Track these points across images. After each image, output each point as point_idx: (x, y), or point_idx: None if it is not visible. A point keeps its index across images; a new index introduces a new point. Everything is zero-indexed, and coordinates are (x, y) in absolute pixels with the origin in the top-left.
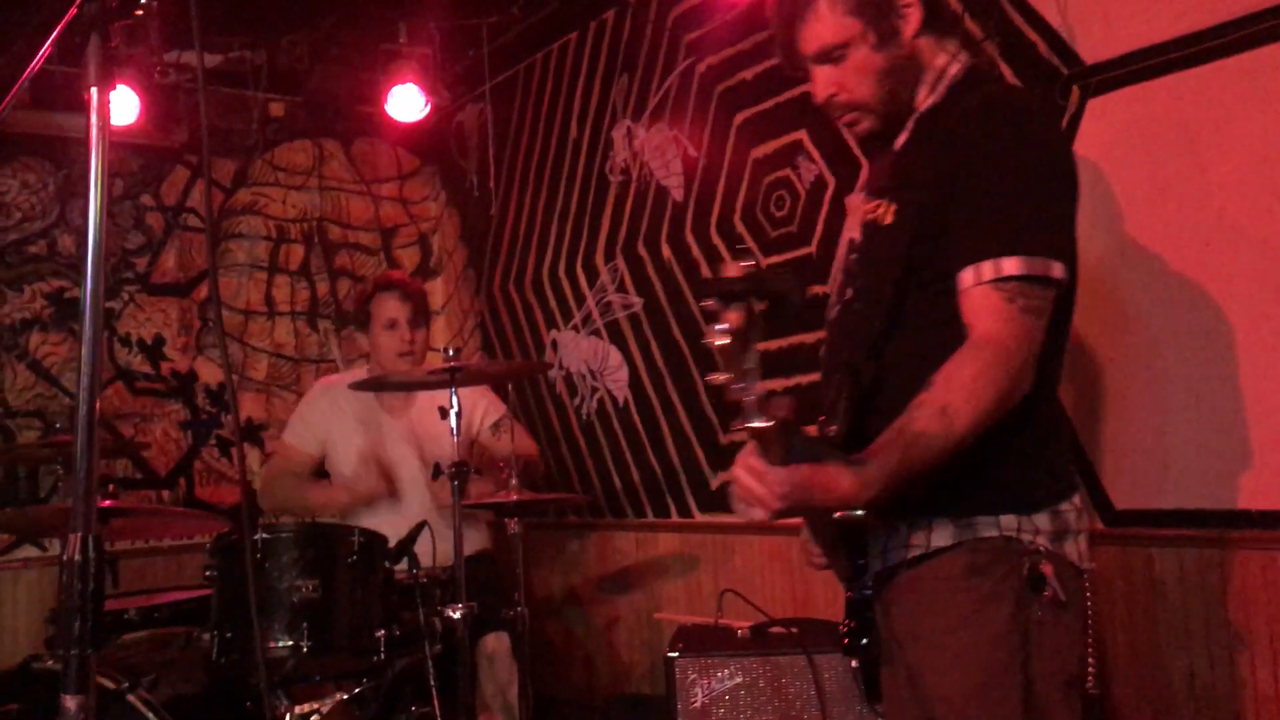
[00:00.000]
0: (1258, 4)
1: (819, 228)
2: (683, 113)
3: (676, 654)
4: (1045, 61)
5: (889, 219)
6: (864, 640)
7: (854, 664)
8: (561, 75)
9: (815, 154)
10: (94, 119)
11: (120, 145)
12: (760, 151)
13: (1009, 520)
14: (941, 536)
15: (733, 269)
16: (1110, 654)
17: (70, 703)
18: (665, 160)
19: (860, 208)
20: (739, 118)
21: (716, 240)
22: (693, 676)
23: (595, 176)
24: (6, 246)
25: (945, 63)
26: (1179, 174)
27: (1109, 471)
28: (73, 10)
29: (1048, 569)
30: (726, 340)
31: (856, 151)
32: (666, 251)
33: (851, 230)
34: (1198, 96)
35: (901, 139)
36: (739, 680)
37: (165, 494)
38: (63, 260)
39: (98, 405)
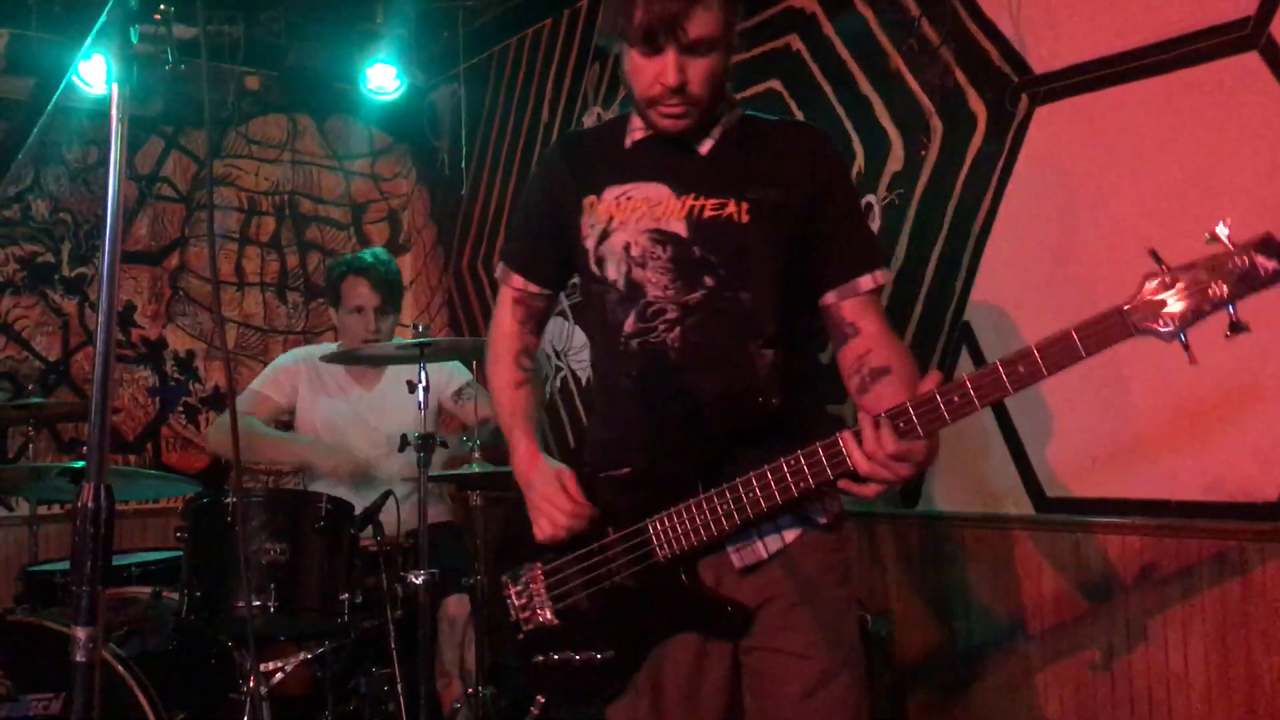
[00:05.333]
0: (1195, 25)
1: None
2: None
3: None
4: (997, 69)
5: (744, 218)
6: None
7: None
8: (535, 60)
9: None
10: (114, 113)
11: (96, 113)
12: None
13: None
14: (838, 504)
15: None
16: (1038, 634)
17: (81, 634)
18: None
19: (672, 202)
20: None
21: None
22: None
23: None
24: None
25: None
26: (1120, 181)
27: (1040, 460)
28: (103, 15)
29: None
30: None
31: None
32: None
33: (653, 222)
34: (1139, 109)
35: (708, 145)
36: None
37: (133, 459)
38: (36, 225)
39: (112, 366)
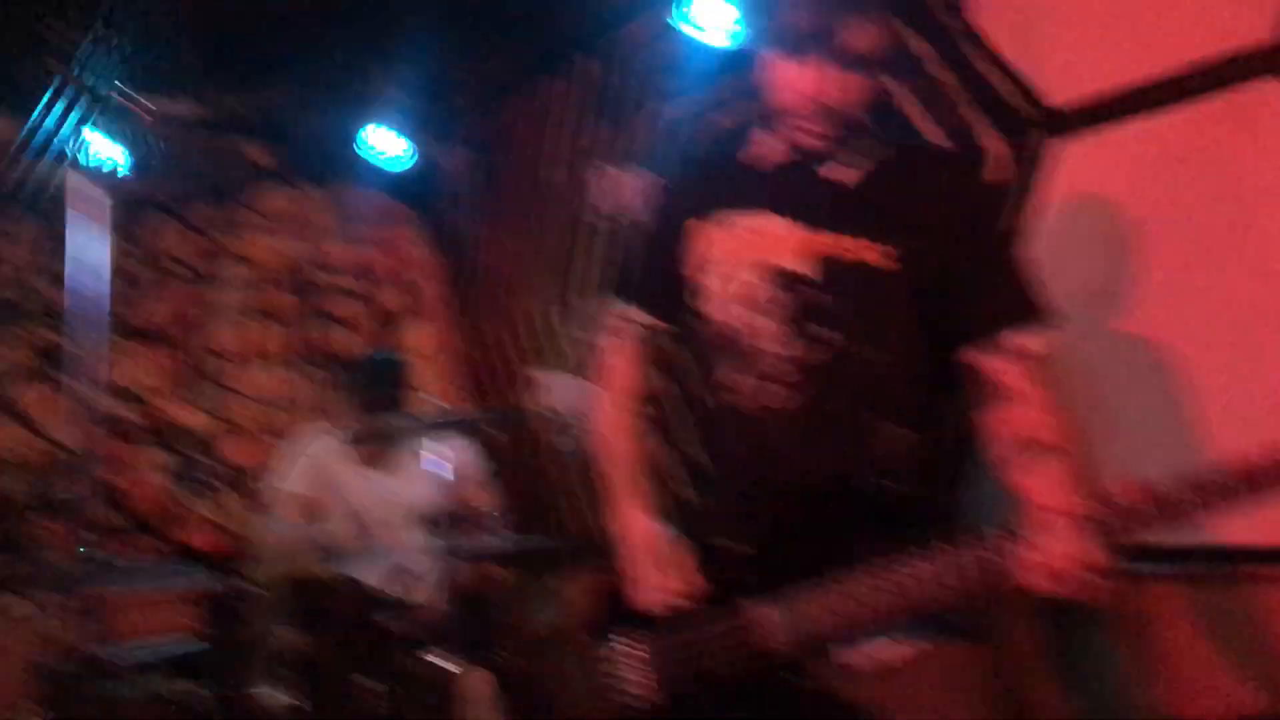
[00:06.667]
0: (1215, 52)
1: None
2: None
3: None
4: (1008, 104)
5: (884, 264)
6: None
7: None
8: (543, 119)
9: None
10: None
11: (108, 193)
12: None
13: None
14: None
15: None
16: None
17: None
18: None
19: (798, 237)
20: None
21: None
22: None
23: (577, 219)
24: None
25: None
26: (1141, 217)
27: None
28: None
29: None
30: None
31: None
32: None
33: (773, 258)
34: (1157, 142)
35: (850, 175)
36: None
37: (148, 540)
38: None
39: None
